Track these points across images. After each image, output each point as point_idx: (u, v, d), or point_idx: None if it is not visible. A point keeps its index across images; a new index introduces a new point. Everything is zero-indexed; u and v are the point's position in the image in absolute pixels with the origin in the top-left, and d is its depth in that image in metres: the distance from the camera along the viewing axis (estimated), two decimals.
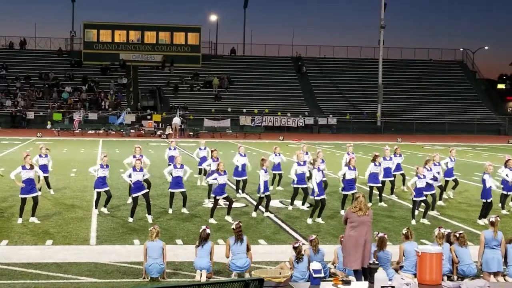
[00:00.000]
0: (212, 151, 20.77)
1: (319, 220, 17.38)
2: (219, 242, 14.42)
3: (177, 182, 18.22)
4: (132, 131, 57.22)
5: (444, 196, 21.20)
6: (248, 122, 64.53)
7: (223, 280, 11.07)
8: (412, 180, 17.91)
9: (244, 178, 21.25)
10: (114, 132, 56.38)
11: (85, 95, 68.66)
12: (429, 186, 18.12)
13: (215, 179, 17.21)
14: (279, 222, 17.50)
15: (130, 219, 16.95)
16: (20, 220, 16.50)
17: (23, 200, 16.55)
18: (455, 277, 12.40)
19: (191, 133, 56.75)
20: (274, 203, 19.85)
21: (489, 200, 17.76)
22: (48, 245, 14.40)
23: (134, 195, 17.13)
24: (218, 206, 18.76)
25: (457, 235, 12.75)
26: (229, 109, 67.82)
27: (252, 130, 60.46)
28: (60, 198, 20.66)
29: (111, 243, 14.69)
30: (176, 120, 56.28)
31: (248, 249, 12.35)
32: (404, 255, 12.51)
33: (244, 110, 67.85)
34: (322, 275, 11.72)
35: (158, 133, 55.85)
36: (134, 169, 17.20)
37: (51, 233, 15.58)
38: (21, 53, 76.54)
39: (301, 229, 16.65)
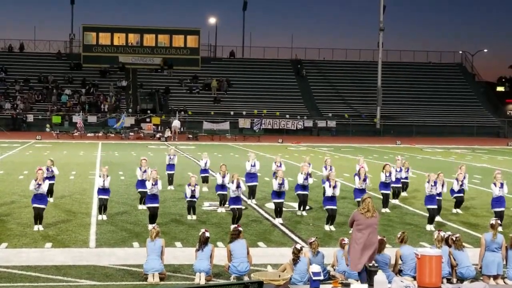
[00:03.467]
0: (220, 166, 20.41)
1: (331, 227, 17.14)
2: (218, 245, 14.41)
3: (190, 195, 18.02)
4: (131, 134, 57.21)
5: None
6: (247, 124, 64.53)
7: (222, 283, 11.08)
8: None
9: (254, 184, 21.13)
10: (113, 135, 56.38)
11: (84, 98, 68.69)
12: (438, 195, 18.06)
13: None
14: (279, 224, 17.49)
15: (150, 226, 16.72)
16: (36, 227, 16.23)
17: (36, 209, 16.30)
18: (455, 280, 12.40)
19: (190, 135, 56.75)
20: (273, 205, 19.84)
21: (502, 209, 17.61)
22: (48, 248, 14.39)
23: (148, 205, 16.85)
24: (223, 210, 18.90)
25: (454, 238, 12.75)
26: (232, 113, 67.84)
27: (251, 133, 60.47)
28: (59, 201, 20.63)
29: (111, 246, 14.69)
30: (176, 123, 56.30)
31: (247, 253, 12.36)
32: (401, 259, 12.49)
33: (244, 113, 67.90)
34: (322, 277, 11.71)
35: (158, 135, 55.86)
36: (151, 183, 16.89)
37: (51, 236, 15.57)
38: (20, 56, 76.51)
39: (300, 231, 16.65)
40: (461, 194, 20.28)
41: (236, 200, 16.91)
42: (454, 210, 20.02)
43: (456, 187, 19.88)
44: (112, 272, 12.58)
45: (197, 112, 67.29)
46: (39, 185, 16.37)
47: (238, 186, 16.90)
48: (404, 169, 22.44)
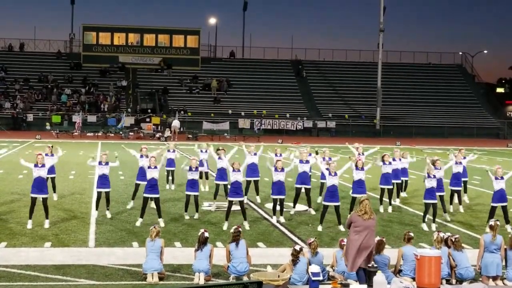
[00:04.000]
0: (217, 150, 20.50)
1: (340, 227, 16.94)
2: (218, 245, 14.41)
3: (192, 185, 17.93)
4: (131, 133, 57.20)
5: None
6: (247, 125, 64.51)
7: (221, 283, 11.08)
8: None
9: (255, 178, 20.97)
10: (113, 135, 56.37)
11: (84, 98, 68.67)
12: (439, 188, 18.04)
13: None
14: (278, 224, 17.49)
15: (139, 221, 16.77)
16: (30, 224, 16.21)
17: (33, 200, 16.25)
18: (454, 281, 12.40)
19: (190, 135, 56.72)
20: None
21: (503, 204, 17.62)
22: (47, 247, 14.39)
23: (145, 195, 16.89)
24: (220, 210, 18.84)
25: (453, 239, 12.76)
26: (230, 112, 67.86)
27: (251, 133, 60.48)
28: (58, 200, 20.63)
29: (110, 246, 14.69)
30: (175, 123, 56.28)
31: (247, 253, 12.36)
32: (402, 259, 12.50)
33: (242, 113, 67.91)
34: (321, 278, 11.70)
35: (157, 135, 55.86)
36: (149, 166, 16.88)
37: (50, 235, 15.56)
38: (20, 55, 76.50)
39: (300, 231, 16.64)
40: (459, 188, 20.34)
41: (236, 190, 16.82)
42: (451, 209, 20.08)
43: (458, 168, 20.19)
44: (112, 271, 12.59)
45: (197, 112, 67.28)
46: (43, 165, 16.38)
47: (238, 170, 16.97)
48: (404, 157, 22.46)
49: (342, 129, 67.91)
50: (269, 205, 19.79)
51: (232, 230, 12.61)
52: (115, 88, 71.33)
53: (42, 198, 16.37)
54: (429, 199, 17.40)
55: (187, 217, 17.92)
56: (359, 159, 19.14)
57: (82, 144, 47.02)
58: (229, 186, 17.77)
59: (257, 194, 21.06)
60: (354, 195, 18.40)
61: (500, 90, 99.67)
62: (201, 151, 22.93)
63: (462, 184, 21.27)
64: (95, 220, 17.51)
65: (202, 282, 11.83)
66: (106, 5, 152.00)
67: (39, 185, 16.31)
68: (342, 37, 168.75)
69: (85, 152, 39.21)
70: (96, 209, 18.01)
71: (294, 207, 19.20)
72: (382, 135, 67.75)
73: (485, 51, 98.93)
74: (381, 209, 19.66)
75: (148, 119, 62.60)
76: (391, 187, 20.21)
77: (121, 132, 56.56)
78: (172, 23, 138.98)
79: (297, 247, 12.17)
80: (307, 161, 19.25)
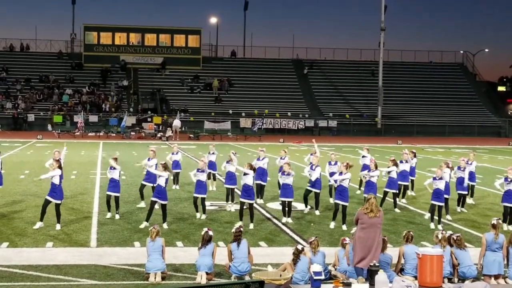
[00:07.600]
0: (230, 155, 20.39)
1: (343, 226, 16.91)
2: (220, 245, 14.40)
3: (199, 186, 17.90)
4: (132, 133, 57.21)
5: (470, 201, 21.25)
6: (249, 124, 64.51)
7: (223, 282, 11.07)
8: (428, 180, 17.85)
9: (262, 183, 20.83)
10: (114, 135, 56.38)
11: (85, 98, 68.69)
12: (446, 191, 18.00)
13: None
14: (280, 224, 17.49)
15: (144, 224, 16.72)
16: (38, 225, 16.22)
17: (48, 202, 16.31)
18: (456, 279, 12.39)
19: (192, 135, 56.74)
20: (275, 205, 19.87)
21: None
22: (49, 247, 14.38)
23: (153, 199, 16.81)
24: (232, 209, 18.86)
25: (455, 237, 12.75)
26: (231, 111, 67.86)
27: (252, 133, 60.47)
28: None
29: (112, 245, 14.68)
30: (177, 123, 56.28)
31: (248, 252, 12.36)
32: (404, 258, 12.49)
33: (243, 114, 67.88)
34: (323, 277, 11.69)
35: (159, 135, 55.88)
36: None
37: (52, 235, 15.56)
38: (21, 56, 76.54)
39: (301, 231, 16.63)
40: (465, 192, 20.32)
41: (248, 193, 16.80)
42: (459, 209, 20.03)
43: (463, 174, 20.22)
44: (114, 271, 12.58)
45: (198, 112, 67.28)
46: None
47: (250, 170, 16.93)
48: (411, 157, 22.48)
49: (343, 128, 67.94)
50: (271, 205, 19.84)
51: (233, 230, 12.60)
52: (116, 88, 71.34)
53: (55, 203, 16.38)
54: (436, 201, 17.41)
55: (198, 216, 17.91)
56: (372, 160, 19.20)
57: (84, 144, 47.00)
58: (238, 189, 17.77)
59: (261, 198, 20.98)
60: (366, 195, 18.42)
61: (501, 88, 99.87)
62: (209, 152, 23.09)
63: (469, 188, 21.41)
64: (97, 220, 17.51)
65: (204, 281, 11.82)
66: (107, 5, 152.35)
67: (53, 192, 16.41)
68: (343, 36, 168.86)
69: (86, 152, 39.24)
70: (109, 210, 17.91)
71: (306, 206, 19.16)
72: (384, 134, 67.74)
73: (486, 50, 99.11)
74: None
75: (149, 119, 62.63)
76: (395, 191, 20.18)
77: (122, 132, 56.56)
78: (173, 23, 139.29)
79: (299, 247, 12.18)
80: (318, 166, 19.19)
